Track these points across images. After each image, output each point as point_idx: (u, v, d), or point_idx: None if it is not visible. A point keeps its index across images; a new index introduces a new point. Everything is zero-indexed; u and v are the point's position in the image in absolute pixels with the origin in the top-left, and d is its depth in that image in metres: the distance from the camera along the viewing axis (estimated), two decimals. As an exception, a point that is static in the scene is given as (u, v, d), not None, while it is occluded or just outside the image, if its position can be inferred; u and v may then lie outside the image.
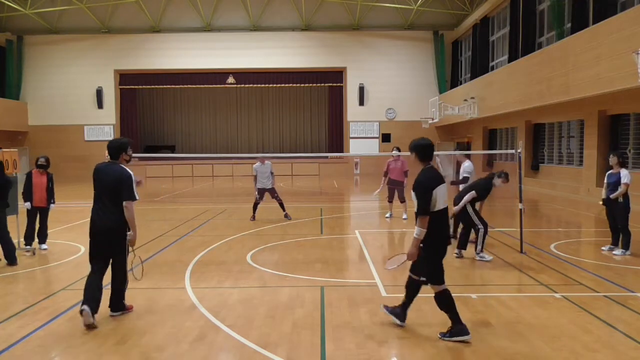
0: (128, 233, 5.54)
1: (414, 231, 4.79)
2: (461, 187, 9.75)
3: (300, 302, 6.13)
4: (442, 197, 4.83)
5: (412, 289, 5.24)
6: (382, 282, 6.96)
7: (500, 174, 8.46)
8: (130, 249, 5.67)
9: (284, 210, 12.81)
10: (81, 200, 19.10)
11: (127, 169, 5.59)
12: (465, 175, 9.86)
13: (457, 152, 10.23)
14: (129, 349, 4.76)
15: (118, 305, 5.68)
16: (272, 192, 12.72)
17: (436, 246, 4.86)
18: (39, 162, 9.14)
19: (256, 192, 12.70)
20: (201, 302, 6.10)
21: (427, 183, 4.78)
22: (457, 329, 4.87)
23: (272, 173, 12.73)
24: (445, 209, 4.89)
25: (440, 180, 4.86)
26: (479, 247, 8.24)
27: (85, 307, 5.21)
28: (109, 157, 5.65)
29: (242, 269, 7.79)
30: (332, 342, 4.90)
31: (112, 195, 5.46)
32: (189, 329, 5.25)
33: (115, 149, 5.61)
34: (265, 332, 5.16)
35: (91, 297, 5.30)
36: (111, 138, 31.92)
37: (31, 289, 6.92)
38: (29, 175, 8.99)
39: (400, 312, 5.28)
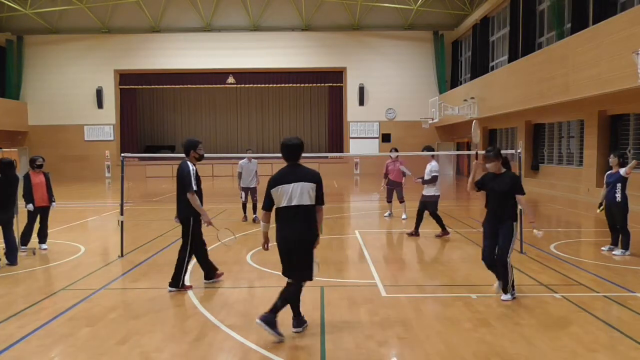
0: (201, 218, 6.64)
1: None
2: (426, 187, 10.17)
3: (300, 302, 6.12)
4: (285, 195, 4.92)
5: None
6: (382, 282, 6.96)
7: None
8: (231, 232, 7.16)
9: (255, 212, 12.74)
10: (81, 200, 19.10)
11: (190, 165, 6.54)
12: (434, 174, 10.14)
13: (424, 153, 10.34)
14: (129, 349, 4.76)
15: (176, 280, 6.59)
16: (253, 191, 12.68)
17: (276, 241, 5.08)
18: (37, 163, 9.17)
19: (241, 191, 12.74)
20: (201, 302, 6.10)
21: (269, 182, 5.02)
22: (270, 319, 4.96)
23: (256, 172, 12.68)
24: (290, 208, 4.92)
25: (288, 179, 4.95)
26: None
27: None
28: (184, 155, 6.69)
29: (242, 269, 7.80)
30: (332, 342, 4.90)
31: (179, 187, 6.55)
32: (189, 329, 5.25)
33: (185, 146, 6.67)
34: (265, 332, 5.15)
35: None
36: (111, 138, 32.07)
37: (31, 289, 6.91)
38: (27, 177, 8.99)
39: (297, 320, 5.21)
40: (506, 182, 6.08)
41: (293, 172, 5.01)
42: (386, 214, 13.25)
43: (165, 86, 33.69)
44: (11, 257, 8.04)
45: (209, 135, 37.56)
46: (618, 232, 8.56)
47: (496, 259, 6.05)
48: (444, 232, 10.28)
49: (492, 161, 6.11)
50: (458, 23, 30.72)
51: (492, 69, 25.40)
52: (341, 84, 32.66)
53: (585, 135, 17.75)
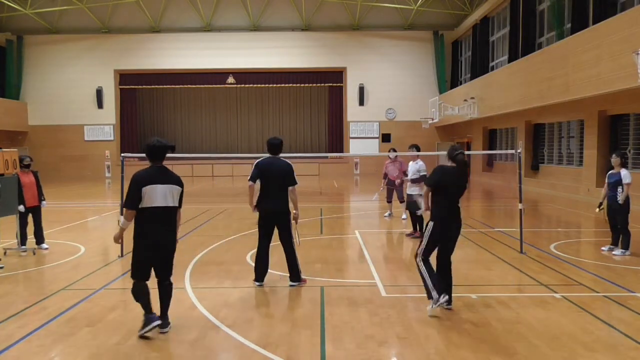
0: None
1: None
2: (410, 185, 10.33)
3: (300, 302, 6.14)
4: (153, 196, 4.98)
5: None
6: (382, 282, 6.96)
7: None
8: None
9: None
10: (81, 200, 19.10)
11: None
12: (423, 174, 10.26)
13: (414, 153, 10.45)
14: (129, 349, 4.76)
15: (297, 275, 6.84)
16: None
17: (135, 241, 5.07)
18: (25, 162, 9.05)
19: None
20: (201, 302, 6.10)
21: (139, 179, 5.00)
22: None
23: None
24: (156, 209, 4.99)
25: (155, 180, 5.03)
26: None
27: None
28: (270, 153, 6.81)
29: (242, 269, 7.80)
30: (332, 342, 4.90)
31: (281, 182, 6.67)
32: (189, 329, 5.24)
33: (279, 145, 6.80)
34: (265, 332, 5.16)
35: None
36: (111, 138, 32.01)
37: (31, 289, 6.91)
38: (17, 178, 8.80)
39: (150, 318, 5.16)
40: None
41: (159, 173, 5.14)
42: (386, 214, 13.25)
43: (165, 86, 33.69)
44: None
45: (209, 135, 37.55)
46: (619, 232, 8.55)
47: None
48: (416, 232, 10.26)
49: None
50: (458, 23, 30.71)
51: (492, 69, 25.40)
52: (341, 84, 32.66)
53: (585, 135, 17.75)
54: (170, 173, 5.22)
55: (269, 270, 7.65)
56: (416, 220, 10.36)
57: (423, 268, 5.68)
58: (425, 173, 10.23)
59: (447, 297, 5.55)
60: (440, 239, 5.77)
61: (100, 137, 32.14)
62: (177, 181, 5.22)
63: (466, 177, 5.88)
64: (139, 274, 5.08)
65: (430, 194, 5.77)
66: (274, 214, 6.75)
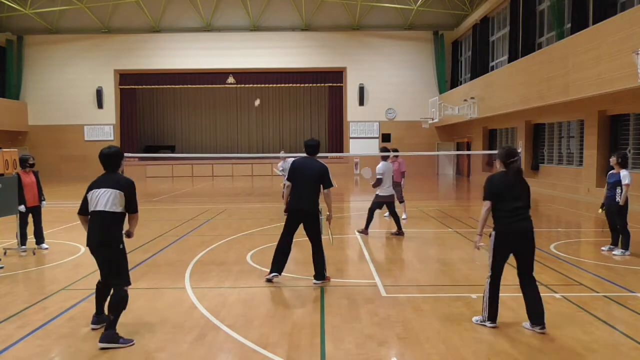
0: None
1: None
2: (380, 190, 10.39)
3: (300, 302, 6.14)
4: (92, 200, 5.18)
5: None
6: (382, 282, 6.96)
7: None
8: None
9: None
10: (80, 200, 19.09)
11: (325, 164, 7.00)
12: (377, 177, 10.29)
13: (385, 154, 10.59)
14: (129, 349, 4.76)
15: (322, 273, 6.86)
16: None
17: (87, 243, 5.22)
18: (30, 162, 9.04)
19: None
20: (201, 302, 6.10)
21: (89, 187, 5.25)
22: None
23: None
24: (93, 213, 5.16)
25: (96, 185, 5.19)
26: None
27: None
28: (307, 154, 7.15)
29: (242, 269, 7.80)
30: (332, 342, 4.90)
31: (314, 182, 6.87)
32: (189, 329, 5.24)
33: (314, 147, 7.14)
34: (265, 332, 5.16)
35: None
36: (111, 138, 31.93)
37: (31, 289, 6.91)
38: (17, 178, 8.78)
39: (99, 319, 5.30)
40: None
41: (105, 179, 5.20)
42: (386, 214, 13.21)
43: (165, 86, 33.68)
44: None
45: (209, 135, 37.59)
46: (618, 232, 8.55)
47: None
48: (400, 231, 10.53)
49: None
50: (458, 23, 30.72)
51: (492, 69, 25.40)
52: (341, 84, 32.65)
53: (585, 135, 17.75)
54: (117, 177, 5.12)
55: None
56: (398, 219, 10.60)
57: (486, 287, 5.24)
58: (379, 176, 10.26)
59: (495, 325, 5.16)
60: (505, 250, 5.21)
61: (100, 137, 32.11)
62: (117, 184, 5.03)
63: (523, 183, 5.47)
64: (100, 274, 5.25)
65: (489, 210, 5.29)
66: (299, 212, 6.87)
